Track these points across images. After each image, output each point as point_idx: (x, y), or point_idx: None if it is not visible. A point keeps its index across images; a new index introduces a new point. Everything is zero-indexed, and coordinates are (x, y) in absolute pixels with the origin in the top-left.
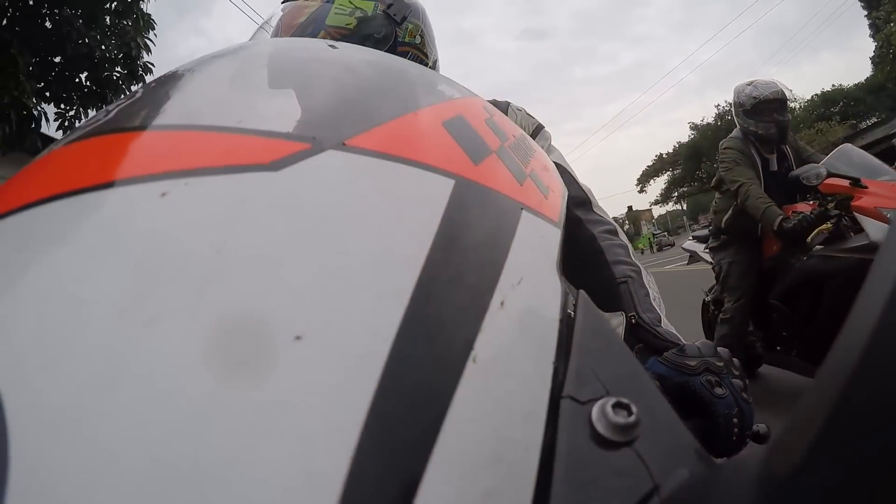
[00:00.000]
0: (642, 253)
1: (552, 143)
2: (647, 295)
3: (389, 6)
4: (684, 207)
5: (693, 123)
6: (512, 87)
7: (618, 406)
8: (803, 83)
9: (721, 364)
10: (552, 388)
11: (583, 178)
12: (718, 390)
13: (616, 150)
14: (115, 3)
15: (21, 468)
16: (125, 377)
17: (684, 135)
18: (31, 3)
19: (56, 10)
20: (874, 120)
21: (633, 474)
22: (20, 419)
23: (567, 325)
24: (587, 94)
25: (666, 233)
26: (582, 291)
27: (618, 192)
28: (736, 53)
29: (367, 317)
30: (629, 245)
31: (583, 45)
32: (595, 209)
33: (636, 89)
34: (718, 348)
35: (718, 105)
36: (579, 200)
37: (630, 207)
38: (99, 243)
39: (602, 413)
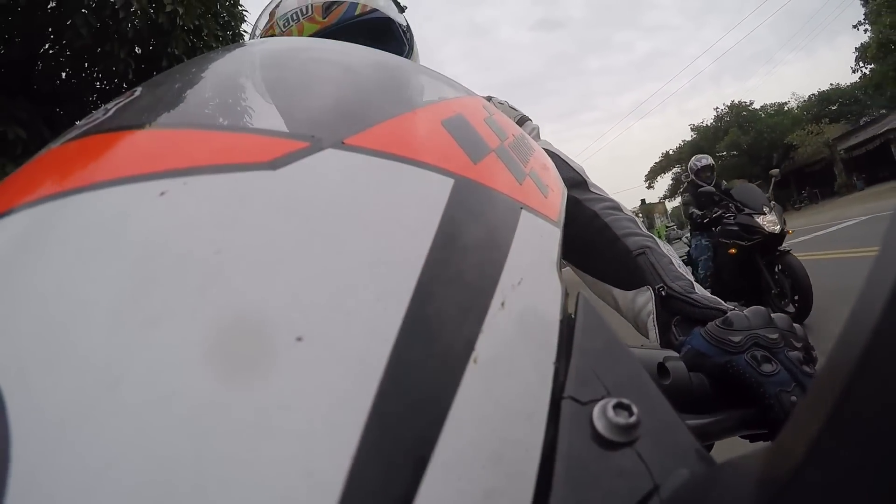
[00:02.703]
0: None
1: (539, 133)
2: (672, 262)
3: None
4: None
5: (693, 125)
6: (527, 78)
7: (618, 406)
8: (824, 70)
9: (774, 336)
10: (553, 388)
11: (599, 171)
12: (767, 367)
13: (632, 140)
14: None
15: (22, 468)
16: (126, 378)
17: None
18: None
19: None
20: (866, 119)
21: (634, 474)
22: (22, 419)
23: (567, 326)
24: (602, 84)
25: (675, 226)
26: (581, 292)
27: (631, 186)
28: (752, 40)
29: (368, 317)
30: (637, 219)
31: (597, 35)
32: (592, 188)
33: (651, 79)
34: (774, 314)
35: (717, 108)
36: (574, 182)
37: (643, 201)
38: (98, 243)
39: (603, 413)
